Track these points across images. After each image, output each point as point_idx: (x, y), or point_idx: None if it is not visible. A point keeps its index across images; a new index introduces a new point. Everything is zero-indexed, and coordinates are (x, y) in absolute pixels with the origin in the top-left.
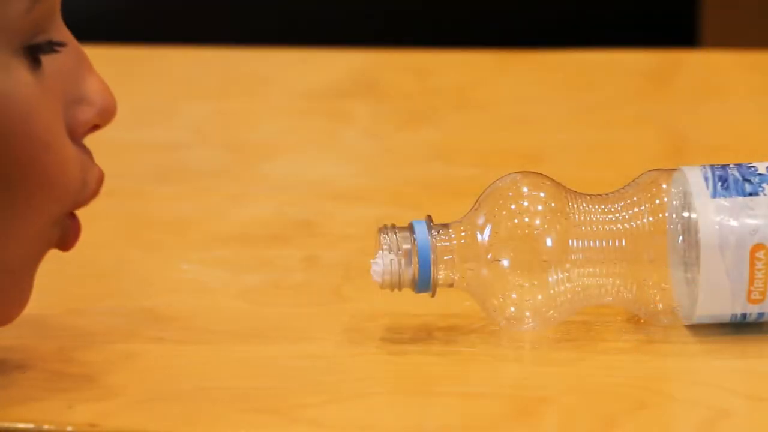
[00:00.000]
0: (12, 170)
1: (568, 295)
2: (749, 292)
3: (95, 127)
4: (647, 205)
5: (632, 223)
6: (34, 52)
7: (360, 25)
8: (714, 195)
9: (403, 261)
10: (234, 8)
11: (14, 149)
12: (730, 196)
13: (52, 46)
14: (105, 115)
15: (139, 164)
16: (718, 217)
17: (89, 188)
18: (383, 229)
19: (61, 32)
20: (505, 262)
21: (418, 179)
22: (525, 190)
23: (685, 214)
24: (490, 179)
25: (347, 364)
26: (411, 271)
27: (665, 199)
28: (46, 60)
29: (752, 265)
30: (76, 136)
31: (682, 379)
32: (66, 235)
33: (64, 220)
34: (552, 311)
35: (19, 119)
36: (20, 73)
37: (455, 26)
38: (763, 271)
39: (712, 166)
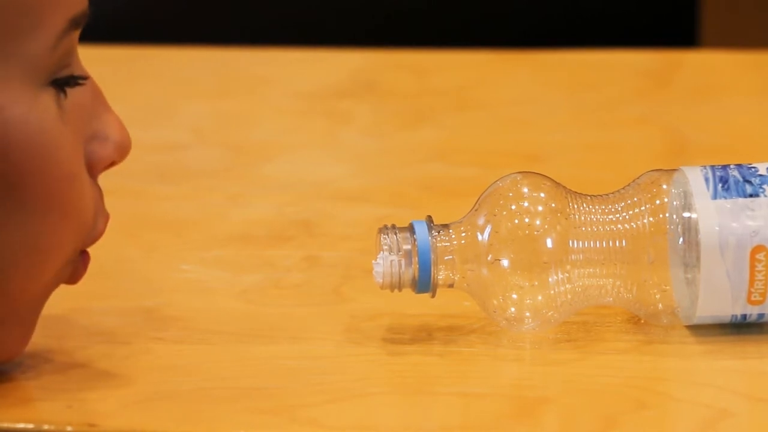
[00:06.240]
0: (40, 201)
1: (569, 296)
2: (749, 293)
3: (112, 163)
4: (647, 206)
5: (632, 224)
6: (58, 87)
7: (360, 25)
8: (714, 196)
9: (403, 262)
10: (234, 8)
11: (43, 179)
12: (731, 197)
13: (75, 80)
14: (122, 151)
15: (138, 164)
16: (718, 218)
17: (98, 228)
18: (383, 230)
19: (81, 67)
20: (506, 263)
21: (418, 179)
22: (525, 190)
23: (686, 215)
24: (490, 179)
25: (347, 364)
26: (411, 272)
27: (665, 200)
28: (68, 94)
29: (752, 266)
30: (93, 172)
31: (682, 379)
32: (76, 271)
33: (76, 257)
34: (552, 312)
35: (48, 150)
36: (47, 107)
37: (455, 26)
38: (763, 273)
39: (712, 167)
